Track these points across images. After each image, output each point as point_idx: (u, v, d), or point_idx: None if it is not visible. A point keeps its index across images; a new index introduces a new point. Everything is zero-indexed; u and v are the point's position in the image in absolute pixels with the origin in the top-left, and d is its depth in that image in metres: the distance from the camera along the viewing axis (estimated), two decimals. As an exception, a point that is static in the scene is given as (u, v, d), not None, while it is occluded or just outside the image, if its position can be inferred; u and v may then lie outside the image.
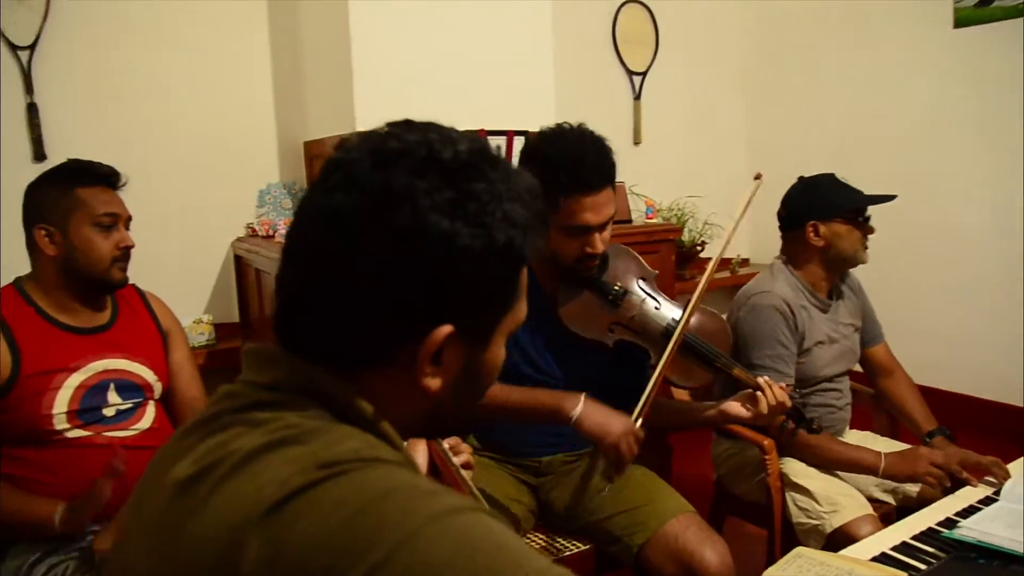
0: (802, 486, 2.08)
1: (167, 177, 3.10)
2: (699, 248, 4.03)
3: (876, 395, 2.44)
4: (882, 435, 2.41)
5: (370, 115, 2.74)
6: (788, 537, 2.10)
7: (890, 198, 2.18)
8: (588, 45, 4.15)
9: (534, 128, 2.90)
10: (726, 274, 4.28)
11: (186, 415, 1.98)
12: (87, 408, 1.78)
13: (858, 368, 2.39)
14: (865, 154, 4.13)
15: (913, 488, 2.13)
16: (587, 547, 1.93)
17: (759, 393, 1.82)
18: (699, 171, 4.34)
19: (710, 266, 1.92)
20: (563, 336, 1.88)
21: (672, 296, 2.05)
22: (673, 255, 3.24)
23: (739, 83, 4.76)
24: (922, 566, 1.52)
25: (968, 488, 1.92)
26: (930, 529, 1.68)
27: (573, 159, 1.73)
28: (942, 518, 1.73)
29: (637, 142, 4.35)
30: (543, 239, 0.81)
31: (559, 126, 1.82)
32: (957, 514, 1.75)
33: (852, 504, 2.00)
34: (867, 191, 2.21)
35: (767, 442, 2.10)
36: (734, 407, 1.85)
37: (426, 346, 0.74)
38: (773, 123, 4.69)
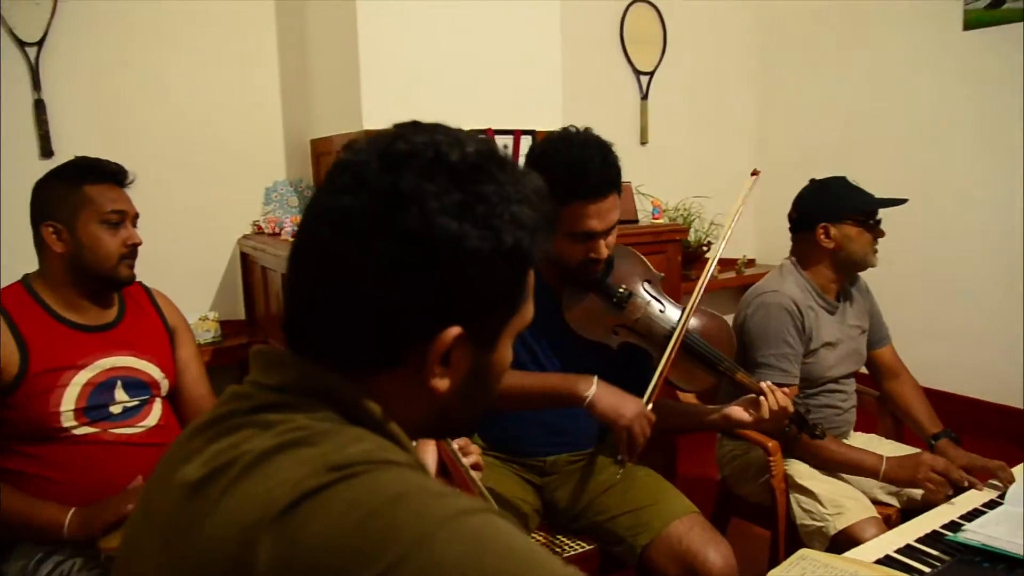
0: (806, 488, 2.08)
1: (174, 174, 3.10)
2: (705, 248, 4.03)
3: (881, 397, 2.44)
4: (887, 438, 2.41)
5: (377, 113, 2.75)
6: (792, 539, 2.10)
7: (901, 201, 2.18)
8: (596, 45, 4.15)
9: (541, 128, 2.93)
10: (732, 274, 4.28)
11: (192, 412, 1.99)
12: (94, 405, 1.78)
13: (864, 370, 2.39)
14: (873, 155, 4.12)
15: (917, 491, 2.13)
16: (591, 547, 1.93)
17: (762, 398, 1.82)
18: (706, 171, 4.33)
19: (709, 265, 1.93)
20: (568, 337, 1.88)
21: (678, 297, 2.06)
22: (679, 255, 3.25)
23: (747, 83, 4.76)
24: (926, 569, 1.53)
25: (973, 491, 1.92)
26: (934, 532, 1.68)
27: (578, 166, 1.72)
28: (946, 521, 1.73)
29: (644, 142, 4.34)
30: (550, 241, 0.81)
31: (565, 131, 1.82)
32: (962, 517, 1.75)
33: (856, 506, 2.00)
34: (875, 192, 2.21)
35: (771, 443, 2.10)
36: (737, 411, 1.86)
37: (435, 347, 0.75)
38: (781, 123, 4.69)
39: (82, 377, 1.78)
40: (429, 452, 1.20)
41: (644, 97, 4.33)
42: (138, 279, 1.93)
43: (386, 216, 0.72)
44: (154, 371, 1.91)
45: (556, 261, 1.84)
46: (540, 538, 1.97)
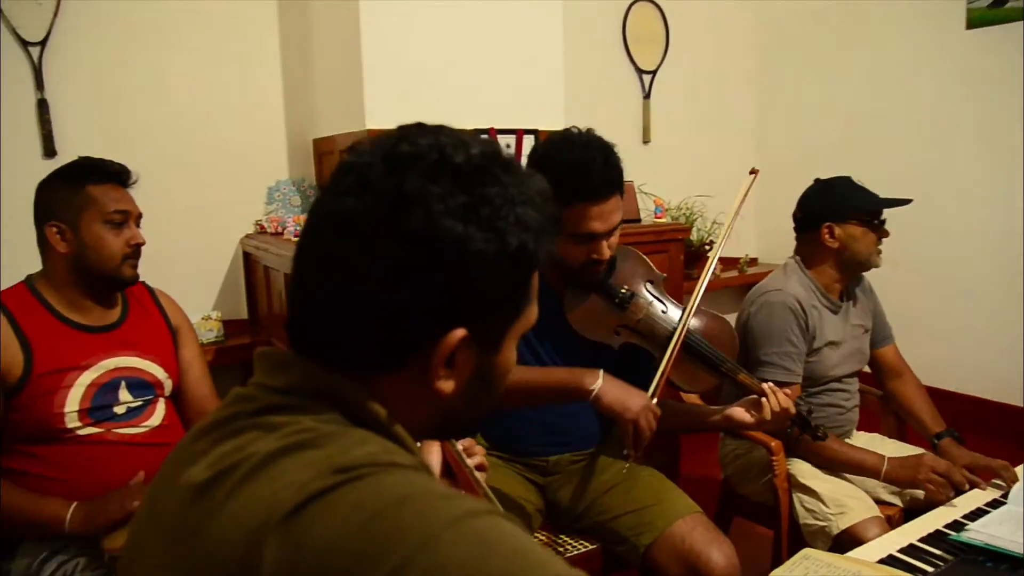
0: (809, 487, 2.09)
1: (177, 174, 3.10)
2: (707, 247, 4.03)
3: (884, 397, 2.44)
4: (890, 437, 2.41)
5: (380, 113, 2.74)
6: (795, 538, 2.10)
7: (906, 202, 2.18)
8: (598, 44, 4.14)
9: (544, 127, 2.93)
10: (734, 273, 4.28)
11: (195, 412, 1.99)
12: (98, 406, 1.79)
13: (867, 370, 2.39)
14: (875, 154, 4.12)
15: (920, 490, 2.13)
16: (594, 547, 1.93)
17: (763, 400, 1.82)
18: (708, 170, 4.33)
19: (708, 265, 1.93)
20: (570, 338, 1.88)
21: (680, 296, 2.06)
22: (682, 255, 3.25)
23: (749, 82, 4.75)
24: (929, 569, 1.53)
25: (976, 491, 1.92)
26: (938, 532, 1.68)
27: (580, 167, 1.72)
28: (950, 521, 1.73)
29: (646, 141, 4.34)
30: (555, 243, 0.81)
31: (567, 132, 1.81)
32: (965, 517, 1.75)
33: (859, 506, 2.00)
34: (877, 192, 2.21)
35: (774, 443, 2.10)
36: (738, 413, 1.86)
37: (440, 350, 0.75)
38: (783, 123, 4.68)
39: (86, 378, 1.78)
40: (433, 453, 1.20)
41: (647, 96, 4.33)
42: (141, 279, 1.93)
43: (390, 218, 0.72)
44: (157, 371, 1.91)
45: (558, 262, 1.84)
46: (543, 537, 1.97)
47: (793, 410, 1.84)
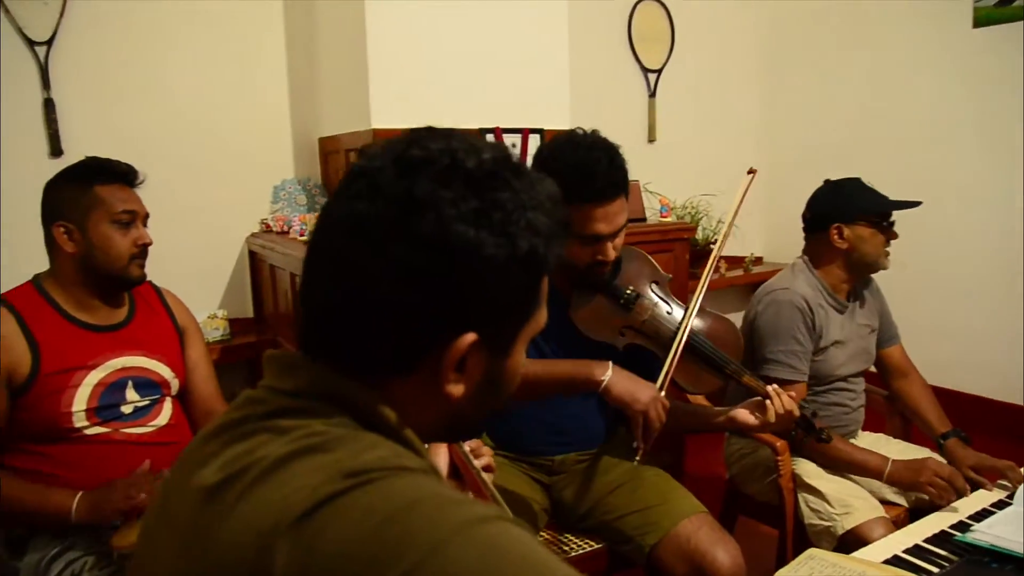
0: (814, 487, 2.08)
1: (183, 173, 3.12)
2: (712, 247, 4.02)
3: (890, 397, 2.44)
4: (896, 437, 2.41)
5: (386, 112, 2.75)
6: (800, 538, 2.10)
7: (915, 204, 2.18)
8: (603, 43, 4.14)
9: (549, 126, 2.93)
10: (739, 272, 4.28)
11: (202, 411, 2.00)
12: (105, 405, 1.79)
13: (873, 369, 2.39)
14: (881, 154, 4.11)
15: (924, 492, 2.14)
16: (599, 546, 1.94)
17: (768, 402, 1.82)
18: (713, 169, 4.32)
19: (709, 265, 1.93)
20: (576, 338, 1.88)
21: (685, 295, 2.06)
22: (687, 254, 3.25)
23: (755, 81, 4.75)
24: (934, 569, 1.53)
25: (982, 491, 1.92)
26: (943, 532, 1.68)
27: (584, 169, 1.71)
28: (955, 521, 1.74)
29: (652, 140, 4.34)
30: (564, 247, 0.82)
31: (571, 133, 1.81)
32: (970, 517, 1.75)
33: (865, 506, 2.00)
34: (882, 191, 2.21)
35: (779, 443, 2.10)
36: (743, 414, 1.86)
37: (450, 354, 0.75)
38: (788, 122, 4.68)
39: (93, 377, 1.79)
40: (440, 455, 1.20)
41: (652, 95, 4.33)
42: (148, 279, 1.94)
43: (401, 222, 0.72)
44: (164, 371, 1.92)
45: (563, 263, 1.83)
46: (548, 537, 1.97)
47: (797, 413, 1.84)
